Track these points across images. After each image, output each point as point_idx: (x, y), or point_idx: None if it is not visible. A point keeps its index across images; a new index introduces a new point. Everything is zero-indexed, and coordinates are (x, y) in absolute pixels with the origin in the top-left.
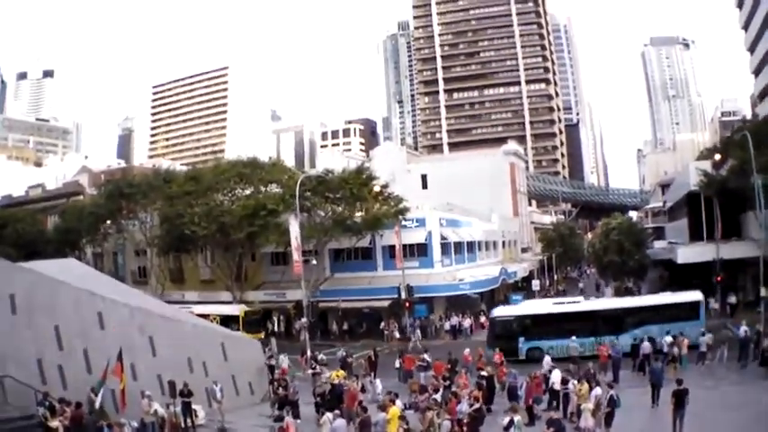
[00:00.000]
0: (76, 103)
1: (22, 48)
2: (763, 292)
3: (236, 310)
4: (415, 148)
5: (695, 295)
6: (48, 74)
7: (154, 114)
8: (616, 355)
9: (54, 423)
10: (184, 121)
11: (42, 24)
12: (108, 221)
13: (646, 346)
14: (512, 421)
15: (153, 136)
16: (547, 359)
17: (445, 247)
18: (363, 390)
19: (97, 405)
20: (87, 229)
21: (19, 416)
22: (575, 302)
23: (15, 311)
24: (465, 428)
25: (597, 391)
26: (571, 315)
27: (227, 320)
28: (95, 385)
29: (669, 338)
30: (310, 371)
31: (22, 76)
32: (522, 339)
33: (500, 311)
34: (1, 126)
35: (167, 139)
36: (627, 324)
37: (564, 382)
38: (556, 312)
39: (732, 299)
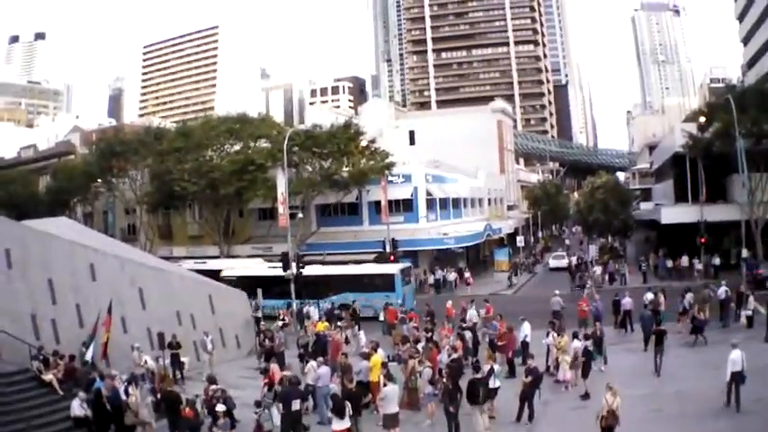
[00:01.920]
0: (67, 64)
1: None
2: (744, 253)
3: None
4: (404, 106)
5: (391, 268)
6: (39, 36)
7: (144, 74)
8: (596, 309)
9: (48, 376)
10: (174, 80)
11: None
12: (99, 180)
13: (627, 302)
14: (491, 369)
15: (143, 95)
16: None
17: (431, 203)
18: (347, 342)
19: (87, 358)
20: (78, 189)
21: (14, 370)
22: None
23: (11, 266)
24: (445, 378)
25: (576, 343)
26: (280, 279)
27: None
28: (86, 339)
29: (650, 295)
30: (279, 322)
31: (14, 39)
32: None
33: (226, 271)
34: None
35: (157, 98)
36: (328, 290)
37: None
38: (267, 275)
39: (716, 260)
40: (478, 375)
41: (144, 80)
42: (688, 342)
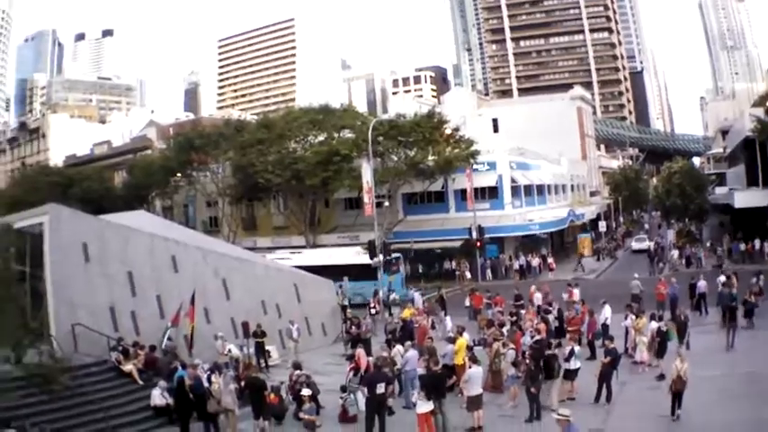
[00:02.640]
0: (138, 60)
1: (79, 10)
2: None
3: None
4: (486, 95)
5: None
6: (107, 33)
7: (221, 67)
8: (673, 292)
9: (128, 366)
10: (252, 72)
11: None
12: (179, 174)
13: (701, 285)
14: (572, 350)
15: (220, 88)
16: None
17: (516, 190)
18: (433, 327)
19: (164, 346)
20: (157, 183)
21: (91, 362)
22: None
23: (88, 260)
24: (528, 359)
25: (653, 325)
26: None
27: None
28: (165, 329)
29: (723, 278)
30: (372, 310)
31: (80, 37)
32: None
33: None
34: (61, 87)
35: (235, 91)
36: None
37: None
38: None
39: None
40: (553, 351)
41: (220, 74)
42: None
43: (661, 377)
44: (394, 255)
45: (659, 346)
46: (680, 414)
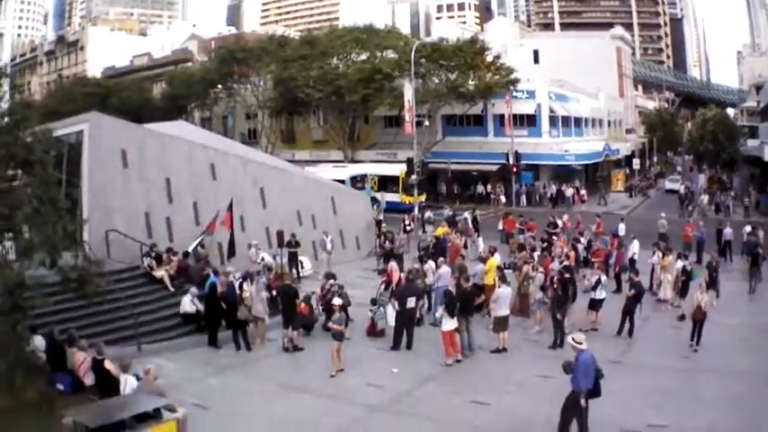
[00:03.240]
0: None
1: None
2: None
3: (395, 169)
4: (528, 26)
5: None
6: None
7: None
8: (700, 235)
9: (159, 272)
10: None
11: None
12: (219, 86)
13: (728, 232)
14: (599, 280)
15: (264, 4)
16: None
17: (553, 120)
18: (465, 247)
19: (190, 249)
20: (196, 95)
21: (123, 267)
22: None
23: (127, 166)
24: (555, 284)
25: (679, 264)
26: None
27: (384, 182)
28: (200, 235)
29: (748, 228)
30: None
31: None
32: None
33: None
34: (101, 0)
35: (279, 8)
36: None
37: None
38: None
39: None
40: (572, 276)
41: None
42: None
43: (682, 318)
44: (359, 173)
45: (683, 285)
46: (697, 348)
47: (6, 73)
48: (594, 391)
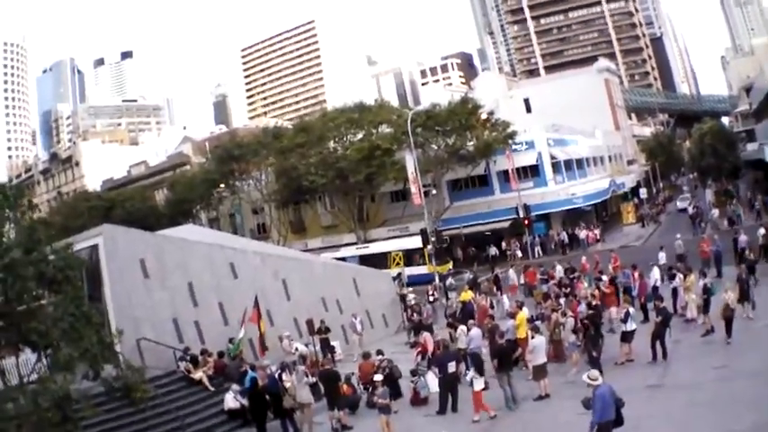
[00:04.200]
0: (162, 79)
1: (95, 36)
2: None
3: (418, 242)
4: (513, 75)
5: None
6: (126, 55)
7: (247, 77)
8: (717, 249)
9: (198, 374)
10: (279, 78)
11: (112, 10)
12: (221, 185)
13: (743, 240)
14: (627, 313)
15: (249, 98)
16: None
17: (556, 166)
18: (492, 307)
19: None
20: (200, 196)
21: (161, 374)
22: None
23: (147, 275)
24: (586, 324)
25: (700, 282)
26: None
27: (410, 254)
28: (234, 337)
29: (762, 231)
30: (430, 297)
31: (100, 62)
32: None
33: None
34: (87, 114)
35: (264, 99)
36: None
37: (671, 277)
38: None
39: None
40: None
41: (247, 83)
42: None
43: (709, 332)
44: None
45: (704, 302)
46: (730, 341)
47: (20, 193)
48: (618, 420)
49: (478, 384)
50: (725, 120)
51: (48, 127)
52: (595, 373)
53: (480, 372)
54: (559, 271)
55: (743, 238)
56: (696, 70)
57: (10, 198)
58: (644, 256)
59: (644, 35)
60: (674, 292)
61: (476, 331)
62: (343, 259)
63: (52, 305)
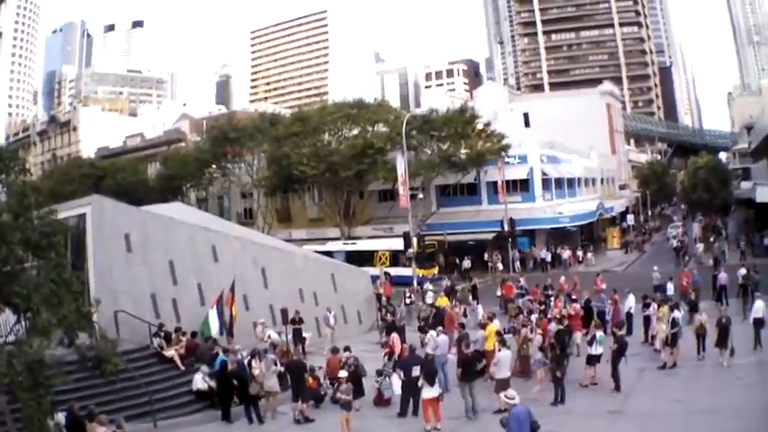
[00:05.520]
0: (169, 52)
1: (109, 1)
2: None
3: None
4: (518, 89)
5: None
6: (137, 24)
7: (253, 59)
8: (695, 281)
9: (170, 352)
10: (285, 65)
11: None
12: (213, 166)
13: (722, 277)
14: (594, 336)
15: (253, 81)
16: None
17: (546, 183)
18: (465, 315)
19: (213, 334)
20: (191, 175)
21: (134, 348)
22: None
23: (130, 250)
24: (553, 344)
25: (675, 314)
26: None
27: (397, 255)
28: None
29: (743, 270)
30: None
31: (110, 28)
32: None
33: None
34: (90, 80)
35: (268, 83)
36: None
37: (646, 305)
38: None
39: None
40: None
41: (253, 66)
42: None
43: (663, 367)
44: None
45: (673, 336)
46: (702, 356)
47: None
48: None
49: (427, 392)
50: (722, 155)
51: (50, 88)
52: (512, 392)
53: (430, 380)
54: (523, 282)
55: (722, 275)
56: (701, 103)
57: (5, 160)
58: (623, 281)
59: (653, 63)
60: (647, 320)
61: (443, 338)
62: (329, 254)
63: (35, 269)
